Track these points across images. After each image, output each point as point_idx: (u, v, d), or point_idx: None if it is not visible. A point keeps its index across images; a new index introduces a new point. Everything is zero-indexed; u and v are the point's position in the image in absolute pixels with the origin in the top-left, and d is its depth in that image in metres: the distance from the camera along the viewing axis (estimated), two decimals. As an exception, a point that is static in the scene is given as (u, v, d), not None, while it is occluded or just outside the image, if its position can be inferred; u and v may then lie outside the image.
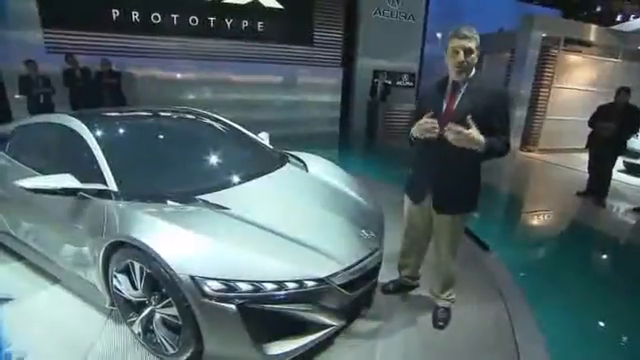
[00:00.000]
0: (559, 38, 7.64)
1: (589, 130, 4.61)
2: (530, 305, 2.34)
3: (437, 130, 1.66)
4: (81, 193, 1.86)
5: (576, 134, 6.93)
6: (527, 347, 1.94)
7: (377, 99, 8.50)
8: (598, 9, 12.29)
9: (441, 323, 2.07)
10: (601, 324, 2.34)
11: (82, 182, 1.84)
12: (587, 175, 4.91)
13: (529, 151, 8.14)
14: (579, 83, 8.14)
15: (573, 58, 7.97)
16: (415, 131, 1.77)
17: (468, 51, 1.67)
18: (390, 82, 8.70)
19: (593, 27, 8.07)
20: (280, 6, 7.68)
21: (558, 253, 3.53)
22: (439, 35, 9.96)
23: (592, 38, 8.02)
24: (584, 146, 4.80)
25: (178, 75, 7.39)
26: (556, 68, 7.75)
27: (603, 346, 2.14)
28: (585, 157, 4.99)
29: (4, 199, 2.35)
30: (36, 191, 1.79)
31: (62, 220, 1.97)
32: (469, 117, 1.62)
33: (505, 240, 3.71)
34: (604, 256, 3.61)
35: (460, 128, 1.59)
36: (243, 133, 2.89)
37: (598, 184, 4.70)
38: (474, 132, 1.60)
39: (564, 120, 8.02)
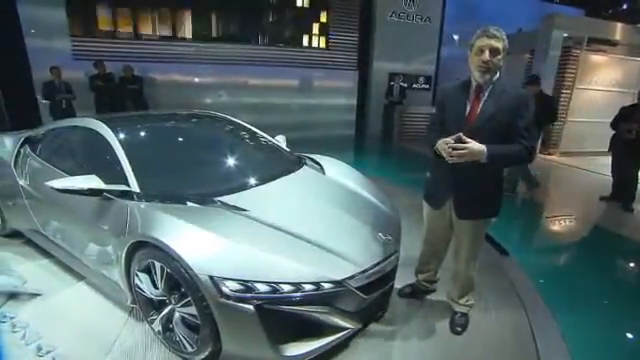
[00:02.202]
0: (582, 38, 7.42)
1: (612, 133, 4.47)
2: (551, 312, 2.27)
3: (455, 155, 1.62)
4: (105, 194, 1.92)
5: (600, 137, 6.68)
6: (549, 355, 1.89)
7: (394, 101, 8.43)
8: (624, 6, 11.85)
9: (459, 328, 2.04)
10: (629, 336, 2.25)
11: (106, 183, 1.90)
12: (611, 179, 4.74)
13: (549, 154, 7.91)
14: (603, 84, 7.86)
15: (597, 58, 7.70)
16: (439, 148, 1.71)
17: (495, 51, 1.63)
18: (406, 85, 8.64)
19: (619, 25, 7.79)
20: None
21: (581, 260, 3.41)
22: (456, 37, 9.84)
23: (617, 37, 7.74)
24: (607, 149, 4.64)
25: (196, 79, 7.57)
26: (578, 69, 7.51)
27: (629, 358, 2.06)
28: (608, 160, 4.82)
29: (35, 199, 2.46)
30: (64, 191, 1.87)
31: (87, 220, 2.04)
32: (460, 134, 1.60)
33: (525, 246, 3.62)
34: (631, 264, 3.47)
35: (456, 144, 1.58)
36: (260, 136, 2.93)
37: (623, 188, 4.52)
38: (470, 145, 1.58)
39: (587, 122, 7.76)
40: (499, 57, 1.65)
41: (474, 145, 1.59)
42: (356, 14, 8.39)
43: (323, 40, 8.24)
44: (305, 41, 8.09)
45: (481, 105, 1.72)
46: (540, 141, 7.78)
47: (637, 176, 4.44)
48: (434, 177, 2.00)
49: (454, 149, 1.59)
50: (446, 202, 1.91)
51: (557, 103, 4.24)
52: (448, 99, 1.85)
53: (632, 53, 7.97)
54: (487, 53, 1.63)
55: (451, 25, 9.41)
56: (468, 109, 1.75)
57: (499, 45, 1.63)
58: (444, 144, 1.64)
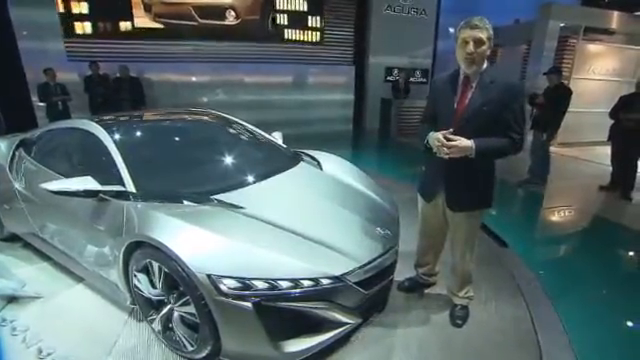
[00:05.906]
0: (579, 27, 7.37)
1: (611, 122, 4.46)
2: (552, 303, 2.27)
3: (445, 153, 1.66)
4: (101, 195, 1.91)
5: (597, 126, 6.68)
6: (550, 346, 1.89)
7: (400, 96, 8.38)
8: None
9: (459, 321, 2.04)
10: (628, 324, 2.25)
11: (102, 184, 1.89)
12: (609, 169, 4.74)
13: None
14: (600, 73, 7.82)
15: (594, 47, 7.66)
16: (430, 142, 1.74)
17: (478, 42, 1.62)
18: (407, 79, 8.60)
19: (616, 14, 7.74)
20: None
21: (581, 250, 3.41)
22: (452, 30, 9.78)
23: (614, 25, 7.69)
24: (606, 139, 4.63)
25: (193, 78, 7.52)
26: (575, 58, 7.47)
27: (631, 349, 2.06)
28: (606, 150, 4.82)
29: (31, 202, 2.44)
30: (60, 193, 1.86)
31: (84, 221, 2.03)
32: (449, 130, 1.65)
33: (524, 237, 3.61)
34: (631, 253, 3.47)
35: (444, 141, 1.63)
36: (256, 133, 2.91)
37: (623, 177, 4.53)
38: (458, 142, 1.62)
39: (584, 112, 7.73)
40: (484, 47, 1.64)
41: (462, 142, 1.62)
42: (351, 8, 8.34)
43: (318, 35, 8.19)
44: (300, 37, 8.03)
45: (469, 96, 1.72)
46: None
47: (637, 165, 4.45)
48: (427, 170, 2.01)
49: (443, 145, 1.63)
50: (437, 195, 1.92)
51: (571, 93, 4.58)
52: (439, 91, 1.86)
53: (629, 42, 7.93)
54: (471, 45, 1.63)
55: (447, 17, 9.35)
56: (457, 100, 1.75)
57: (482, 35, 1.62)
58: (435, 140, 1.67)
